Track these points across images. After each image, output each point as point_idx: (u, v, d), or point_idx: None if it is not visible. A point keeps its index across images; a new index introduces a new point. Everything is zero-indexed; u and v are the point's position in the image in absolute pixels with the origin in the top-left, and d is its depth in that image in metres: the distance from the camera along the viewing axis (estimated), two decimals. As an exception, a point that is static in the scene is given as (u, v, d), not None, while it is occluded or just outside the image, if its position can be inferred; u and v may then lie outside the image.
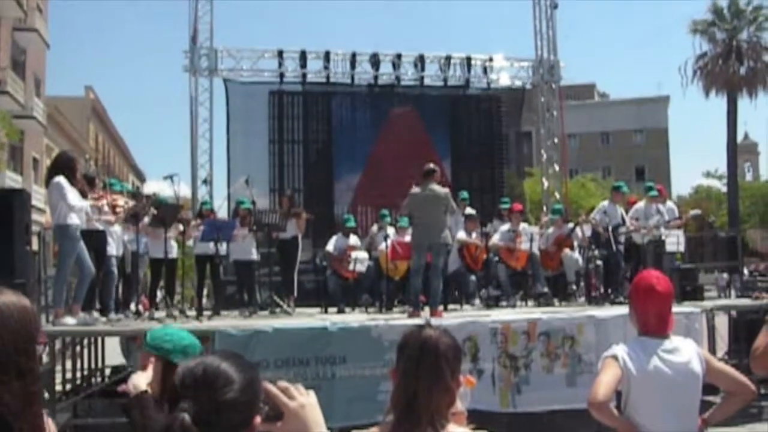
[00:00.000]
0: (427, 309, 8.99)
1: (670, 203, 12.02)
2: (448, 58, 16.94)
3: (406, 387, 2.11)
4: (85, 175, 9.39)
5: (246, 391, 1.55)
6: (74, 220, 7.70)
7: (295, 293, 10.75)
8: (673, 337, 3.18)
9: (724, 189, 36.05)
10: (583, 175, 43.09)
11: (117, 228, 9.37)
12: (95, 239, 8.37)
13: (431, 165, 8.98)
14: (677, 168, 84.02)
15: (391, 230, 11.19)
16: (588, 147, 53.81)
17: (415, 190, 8.81)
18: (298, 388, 1.67)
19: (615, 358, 3.08)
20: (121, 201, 9.32)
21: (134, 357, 11.28)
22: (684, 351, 3.12)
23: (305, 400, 1.66)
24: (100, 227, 8.62)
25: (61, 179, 7.67)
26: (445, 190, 8.89)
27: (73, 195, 7.67)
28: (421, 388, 2.08)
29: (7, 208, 7.33)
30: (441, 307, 9.19)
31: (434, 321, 7.55)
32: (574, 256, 11.29)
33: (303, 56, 16.28)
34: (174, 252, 10.31)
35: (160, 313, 9.68)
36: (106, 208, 8.89)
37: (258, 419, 1.58)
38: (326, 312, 10.73)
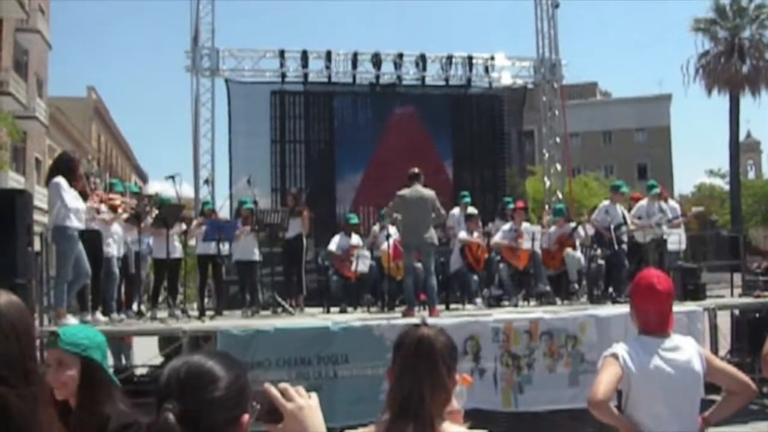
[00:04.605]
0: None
1: (672, 202, 11.97)
2: (450, 58, 16.97)
3: (402, 385, 2.11)
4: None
5: (232, 388, 1.53)
6: (72, 221, 7.64)
7: (304, 291, 10.77)
8: (673, 335, 3.17)
9: (727, 187, 35.96)
10: (586, 173, 43.00)
11: (118, 228, 9.34)
12: (90, 239, 8.30)
13: (415, 169, 9.11)
14: (679, 166, 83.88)
15: (392, 230, 11.18)
16: (590, 146, 53.67)
17: (402, 191, 8.94)
18: (299, 390, 1.66)
19: (615, 356, 3.08)
20: (118, 200, 9.29)
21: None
22: (685, 349, 3.11)
23: (304, 402, 1.64)
24: (96, 227, 8.59)
25: (59, 180, 7.62)
26: (431, 192, 8.99)
27: (70, 196, 7.61)
28: (416, 387, 2.08)
29: (10, 208, 7.33)
30: (439, 306, 9.20)
31: (432, 320, 7.58)
32: (576, 255, 11.27)
33: (304, 56, 16.32)
34: (177, 252, 10.29)
35: (163, 313, 9.69)
36: (103, 208, 8.86)
37: (246, 417, 1.56)
38: (328, 312, 10.73)
